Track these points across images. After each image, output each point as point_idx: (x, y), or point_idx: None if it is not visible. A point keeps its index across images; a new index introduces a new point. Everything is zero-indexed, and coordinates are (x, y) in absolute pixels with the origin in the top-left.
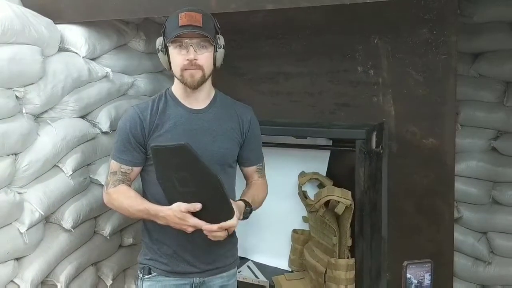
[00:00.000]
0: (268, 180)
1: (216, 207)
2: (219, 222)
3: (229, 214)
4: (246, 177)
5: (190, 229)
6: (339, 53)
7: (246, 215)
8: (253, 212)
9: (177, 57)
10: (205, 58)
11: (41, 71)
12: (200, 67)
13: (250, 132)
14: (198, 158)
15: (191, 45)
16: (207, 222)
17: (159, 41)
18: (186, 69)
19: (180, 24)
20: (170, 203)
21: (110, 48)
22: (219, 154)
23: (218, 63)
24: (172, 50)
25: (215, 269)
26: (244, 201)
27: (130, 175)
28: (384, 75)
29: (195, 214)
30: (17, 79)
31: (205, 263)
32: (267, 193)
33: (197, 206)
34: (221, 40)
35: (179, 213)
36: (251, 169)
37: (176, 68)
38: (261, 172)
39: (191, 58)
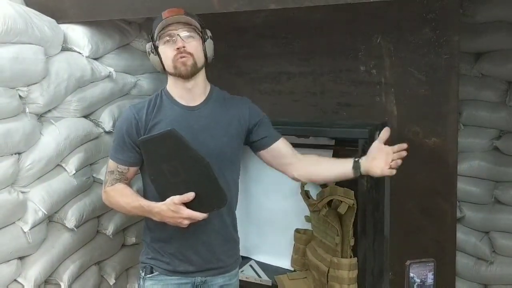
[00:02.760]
0: (271, 180)
1: (208, 193)
2: (213, 209)
3: (222, 199)
4: (281, 157)
5: (185, 222)
6: (342, 53)
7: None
8: None
9: (167, 50)
10: (194, 46)
11: (44, 71)
12: (190, 54)
13: (254, 119)
14: (185, 142)
15: (178, 35)
16: (202, 211)
17: (149, 45)
18: (177, 59)
19: (163, 18)
20: (163, 200)
21: (113, 48)
22: (217, 150)
23: (209, 54)
24: (162, 47)
25: (217, 268)
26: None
27: (127, 175)
28: (387, 74)
29: (189, 206)
30: (20, 79)
31: (207, 262)
32: None
33: (190, 195)
34: (208, 32)
35: (173, 206)
36: (279, 145)
37: (168, 62)
38: (291, 147)
39: (179, 45)
